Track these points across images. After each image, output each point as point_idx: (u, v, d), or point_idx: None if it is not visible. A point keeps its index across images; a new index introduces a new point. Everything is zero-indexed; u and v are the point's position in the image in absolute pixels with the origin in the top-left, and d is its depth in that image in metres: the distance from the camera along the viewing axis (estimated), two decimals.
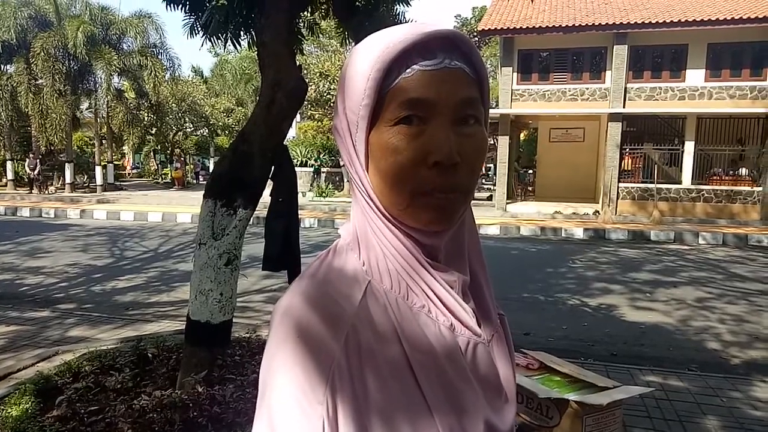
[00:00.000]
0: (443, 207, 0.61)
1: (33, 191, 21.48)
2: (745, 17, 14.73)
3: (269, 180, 3.30)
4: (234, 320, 3.46)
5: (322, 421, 0.57)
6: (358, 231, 0.67)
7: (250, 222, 3.35)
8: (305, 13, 4.52)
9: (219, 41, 3.99)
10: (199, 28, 4.03)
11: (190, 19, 4.11)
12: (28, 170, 21.97)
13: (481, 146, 0.63)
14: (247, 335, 4.21)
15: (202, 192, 3.33)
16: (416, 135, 0.60)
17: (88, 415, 2.92)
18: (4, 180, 23.33)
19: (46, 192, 21.83)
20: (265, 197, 3.23)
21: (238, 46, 4.20)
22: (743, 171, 16.32)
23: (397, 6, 4.33)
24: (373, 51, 0.61)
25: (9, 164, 22.65)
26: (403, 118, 0.60)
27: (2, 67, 20.93)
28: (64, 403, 3.07)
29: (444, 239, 0.66)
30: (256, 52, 3.48)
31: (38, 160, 21.93)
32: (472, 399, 0.64)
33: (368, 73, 0.60)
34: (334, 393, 0.57)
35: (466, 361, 0.65)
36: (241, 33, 4.04)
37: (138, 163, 35.38)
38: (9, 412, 3.05)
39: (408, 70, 0.60)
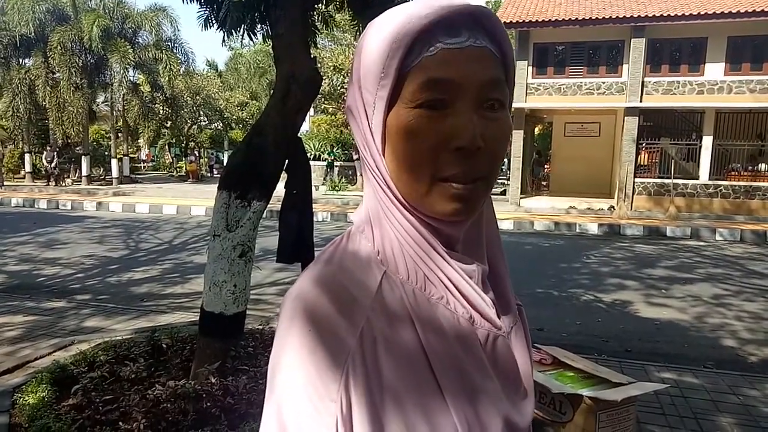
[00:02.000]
0: (465, 198, 0.58)
1: (50, 184, 21.76)
2: (766, 10, 14.43)
3: (283, 172, 3.30)
4: (247, 312, 3.48)
5: (336, 419, 0.54)
6: (371, 218, 0.63)
7: (264, 215, 3.35)
8: (320, 5, 4.51)
9: (236, 35, 4.00)
10: (214, 21, 4.04)
11: (204, 11, 4.12)
12: (45, 163, 22.25)
13: (505, 131, 0.60)
14: (260, 327, 4.23)
15: (216, 185, 3.34)
16: (438, 118, 0.56)
17: (103, 404, 2.96)
18: (23, 172, 23.66)
19: (63, 184, 22.09)
20: (279, 190, 3.23)
21: (253, 39, 4.20)
22: (762, 166, 16.05)
23: None
24: (393, 26, 0.56)
25: (27, 157, 22.95)
26: (426, 100, 0.56)
27: (20, 60, 21.15)
28: (79, 392, 3.11)
29: (463, 229, 0.63)
30: (270, 45, 3.48)
31: (55, 153, 22.20)
32: (492, 394, 0.61)
33: (388, 50, 0.56)
34: (348, 389, 0.54)
35: (486, 354, 0.62)
36: (257, 26, 4.04)
37: (153, 156, 35.68)
38: (26, 400, 3.10)
39: (431, 48, 0.56)
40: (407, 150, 0.57)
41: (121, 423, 2.73)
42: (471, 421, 0.58)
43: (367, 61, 0.58)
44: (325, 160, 21.90)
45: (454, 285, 0.61)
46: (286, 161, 3.26)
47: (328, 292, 0.59)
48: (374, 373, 0.56)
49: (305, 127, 26.99)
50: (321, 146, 22.81)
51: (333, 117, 25.21)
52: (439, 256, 0.61)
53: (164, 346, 3.74)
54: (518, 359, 0.68)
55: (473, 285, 0.62)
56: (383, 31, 0.57)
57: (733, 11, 14.66)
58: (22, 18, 19.26)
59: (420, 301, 0.60)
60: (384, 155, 0.60)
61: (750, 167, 16.22)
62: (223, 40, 3.68)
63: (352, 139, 23.66)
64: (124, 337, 4.32)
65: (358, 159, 20.00)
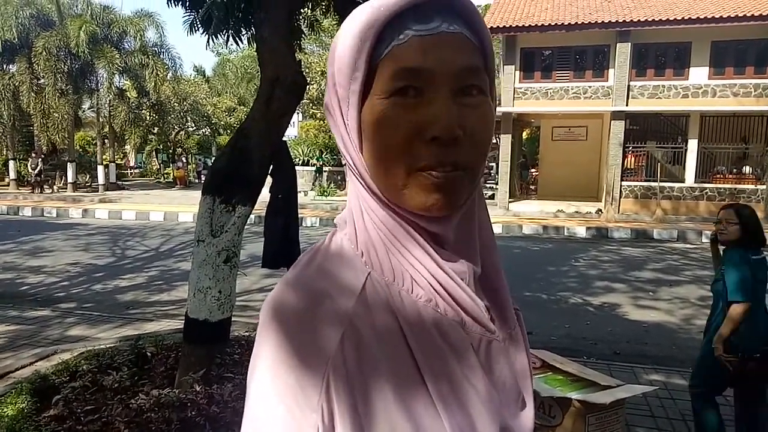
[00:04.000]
0: (443, 187, 0.54)
1: (35, 191, 21.50)
2: (749, 15, 14.63)
3: (268, 176, 3.27)
4: (234, 319, 3.43)
5: (317, 430, 0.51)
6: (354, 218, 0.61)
7: (251, 221, 3.32)
8: (306, 9, 4.49)
9: (221, 38, 3.97)
10: (199, 25, 4.01)
11: (190, 15, 4.09)
12: (30, 170, 21.98)
13: (486, 117, 0.57)
14: (247, 334, 4.18)
15: None
16: (412, 107, 0.54)
17: (84, 414, 2.90)
18: (7, 179, 23.34)
19: (49, 191, 21.83)
20: (265, 195, 3.19)
21: (239, 43, 4.17)
22: (747, 169, 16.23)
23: None
24: (362, 18, 0.55)
25: (11, 164, 22.66)
26: (398, 90, 0.54)
27: (4, 66, 20.90)
28: (60, 402, 3.04)
29: (451, 226, 0.59)
30: (256, 49, 3.45)
31: (40, 160, 21.92)
32: (487, 401, 0.58)
33: (357, 43, 0.54)
34: (330, 398, 0.51)
35: (480, 359, 0.59)
36: (242, 29, 4.02)
37: (140, 163, 35.41)
38: (4, 411, 3.03)
39: (401, 36, 0.53)
40: (381, 142, 0.55)
41: None
42: (465, 430, 0.55)
43: (339, 56, 0.56)
44: (313, 166, 21.85)
45: (442, 286, 0.58)
46: (271, 165, 3.23)
47: (306, 296, 0.56)
48: (358, 379, 0.52)
49: (294, 132, 26.94)
50: (309, 151, 22.75)
51: (321, 122, 25.18)
52: (427, 256, 0.58)
53: (149, 354, 3.68)
54: (516, 366, 0.65)
55: (463, 286, 0.59)
56: (353, 24, 0.55)
57: (717, 16, 14.84)
58: (5, 23, 19.04)
59: (407, 304, 0.57)
60: (362, 151, 0.57)
61: (735, 170, 16.40)
62: (208, 42, 3.63)
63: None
64: (107, 346, 4.25)
65: (342, 157, 19.97)
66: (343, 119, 0.57)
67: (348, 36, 0.55)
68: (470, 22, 0.57)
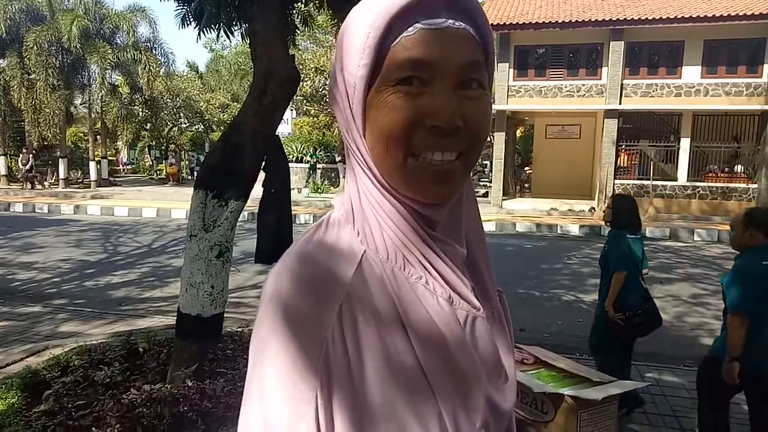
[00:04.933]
0: (443, 177, 0.59)
1: (26, 187, 21.33)
2: (740, 14, 14.71)
3: (261, 171, 3.25)
4: (226, 315, 3.42)
5: (315, 395, 0.55)
6: (352, 201, 0.64)
7: (243, 217, 3.30)
8: (299, 4, 4.47)
9: (212, 31, 3.94)
10: (191, 18, 3.97)
11: (182, 9, 4.05)
12: (21, 166, 21.80)
13: (485, 110, 0.61)
14: (239, 329, 4.17)
15: None
16: (416, 96, 0.57)
17: (75, 409, 2.88)
18: None
19: (41, 187, 21.67)
20: (258, 190, 3.18)
21: (230, 37, 4.14)
22: (739, 168, 16.34)
23: None
24: (374, 8, 0.58)
25: (2, 159, 22.46)
26: (403, 79, 0.57)
27: None
28: (51, 397, 3.02)
29: (443, 211, 0.63)
30: (249, 44, 3.43)
31: (31, 156, 21.73)
32: (474, 372, 0.62)
33: (367, 31, 0.57)
34: (328, 363, 0.56)
35: (465, 334, 0.63)
36: (234, 23, 3.99)
37: (132, 159, 35.20)
38: None
39: (410, 29, 0.57)
40: (385, 126, 0.58)
41: (94, 429, 2.67)
42: (454, 401, 0.59)
43: (348, 43, 0.59)
44: (307, 163, 21.80)
45: (432, 266, 0.62)
46: (264, 160, 3.21)
47: (306, 269, 0.60)
48: (355, 351, 0.57)
49: (287, 129, 26.87)
50: (303, 148, 22.69)
51: (315, 119, 25.14)
52: (419, 238, 0.62)
53: (141, 349, 3.67)
54: (499, 343, 0.68)
55: (453, 267, 0.63)
56: (363, 13, 0.59)
57: (709, 15, 14.91)
58: None
59: (400, 281, 0.60)
60: (365, 136, 0.60)
61: (726, 168, 16.49)
62: (198, 35, 3.61)
63: (335, 142, 23.68)
64: (99, 342, 4.22)
65: (341, 161, 19.95)
66: (350, 103, 0.60)
67: (359, 24, 0.59)
68: (474, 19, 0.60)
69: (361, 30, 0.58)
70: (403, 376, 0.57)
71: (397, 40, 0.57)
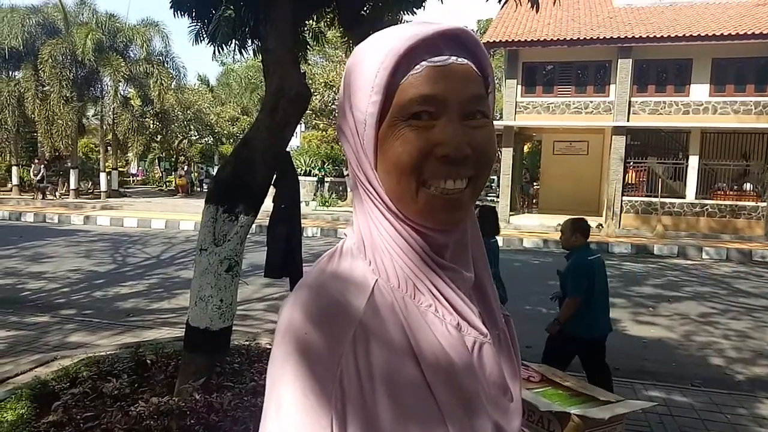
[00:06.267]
0: (454, 206, 0.62)
1: (37, 197, 21.53)
2: (749, 32, 14.74)
3: (272, 186, 3.29)
4: (234, 328, 3.44)
5: (331, 417, 0.57)
6: (362, 232, 0.66)
7: (252, 230, 3.34)
8: (311, 21, 4.54)
9: (226, 49, 4.01)
10: (205, 35, 4.05)
11: (195, 25, 4.13)
12: (32, 176, 22.02)
13: (490, 137, 0.64)
14: (247, 343, 4.18)
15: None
16: (426, 129, 0.60)
17: (83, 420, 2.90)
18: (9, 185, 23.39)
19: (51, 197, 21.87)
20: (268, 204, 3.21)
21: (244, 54, 4.22)
22: (748, 186, 16.26)
23: (403, 15, 4.35)
24: (381, 48, 0.61)
25: (14, 170, 22.72)
26: (414, 114, 0.60)
27: (10, 73, 21.02)
28: (60, 408, 3.05)
29: (453, 238, 0.66)
30: (261, 61, 3.49)
31: (43, 166, 21.97)
32: (481, 399, 0.64)
33: (376, 70, 0.60)
34: (343, 398, 0.58)
35: (473, 360, 0.65)
36: (248, 41, 4.06)
37: (142, 169, 35.49)
38: (4, 417, 3.03)
39: (417, 67, 0.60)
40: (398, 158, 0.61)
41: None
42: (462, 423, 0.61)
43: (356, 81, 0.63)
44: (315, 176, 21.90)
45: (441, 294, 0.64)
46: (275, 175, 3.25)
47: (320, 299, 0.62)
48: (366, 373, 0.58)
49: (296, 142, 27.01)
50: (312, 162, 22.81)
51: (324, 133, 25.24)
52: (427, 266, 0.64)
53: (148, 361, 3.69)
54: (504, 367, 0.71)
55: (460, 294, 0.66)
56: (370, 53, 0.62)
57: (718, 34, 14.94)
58: (11, 31, 19.18)
59: (410, 309, 0.63)
60: (377, 169, 0.63)
61: (735, 187, 16.41)
62: (214, 54, 3.68)
63: (343, 155, 23.69)
64: (107, 353, 4.25)
65: (348, 175, 19.99)
66: (360, 139, 0.63)
67: (367, 64, 0.62)
68: (474, 54, 0.64)
69: (369, 70, 0.61)
70: (414, 401, 0.59)
71: (405, 78, 0.60)
